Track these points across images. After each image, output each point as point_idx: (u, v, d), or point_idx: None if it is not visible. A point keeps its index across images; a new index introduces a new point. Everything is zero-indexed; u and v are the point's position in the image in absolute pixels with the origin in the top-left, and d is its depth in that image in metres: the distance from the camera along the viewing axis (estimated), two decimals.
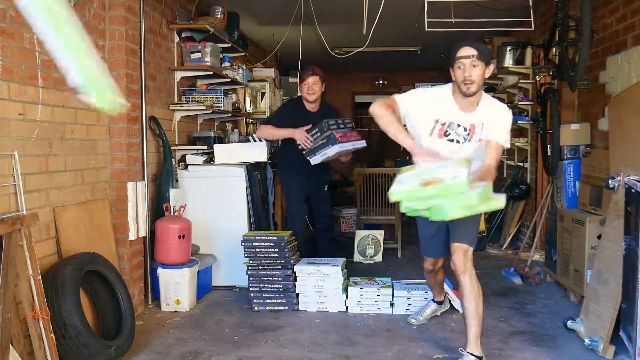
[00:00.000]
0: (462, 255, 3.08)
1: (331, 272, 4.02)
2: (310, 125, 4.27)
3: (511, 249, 6.18)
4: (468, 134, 3.05)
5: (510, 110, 3.20)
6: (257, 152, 4.85)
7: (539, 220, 5.49)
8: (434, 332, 3.65)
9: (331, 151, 4.14)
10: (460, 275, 3.08)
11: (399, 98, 3.09)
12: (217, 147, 4.76)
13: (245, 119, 6.85)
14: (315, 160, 4.21)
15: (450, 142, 3.07)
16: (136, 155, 4.02)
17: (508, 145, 3.12)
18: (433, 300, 3.87)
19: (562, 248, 4.33)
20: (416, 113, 3.09)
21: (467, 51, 2.94)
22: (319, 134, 4.17)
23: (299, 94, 4.64)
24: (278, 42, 6.68)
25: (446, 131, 3.06)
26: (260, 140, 4.95)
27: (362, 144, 4.25)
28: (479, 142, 3.05)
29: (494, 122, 3.05)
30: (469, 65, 2.92)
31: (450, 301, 3.97)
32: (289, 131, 4.37)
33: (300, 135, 4.25)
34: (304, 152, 4.27)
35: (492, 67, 3.02)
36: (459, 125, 3.05)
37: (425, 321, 3.81)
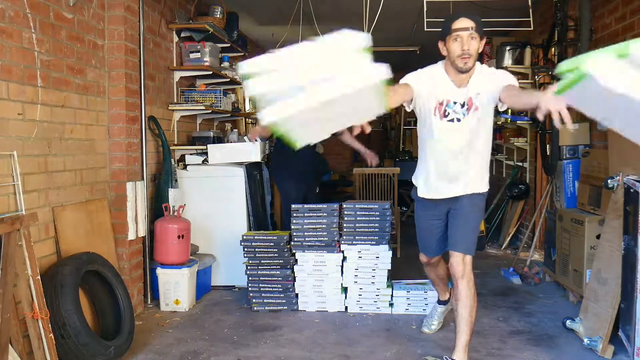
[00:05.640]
0: (460, 260, 2.97)
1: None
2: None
3: (510, 248, 6.19)
4: (467, 109, 2.88)
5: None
6: (251, 152, 4.84)
7: (538, 220, 5.49)
8: (434, 333, 3.64)
9: None
10: (458, 280, 2.97)
11: (409, 79, 2.92)
12: (210, 148, 4.77)
13: (245, 119, 6.85)
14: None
15: (450, 122, 2.90)
16: (135, 155, 4.02)
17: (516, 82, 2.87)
18: (438, 302, 3.66)
19: (561, 248, 4.34)
20: (421, 95, 2.92)
21: (465, 23, 2.73)
22: None
23: None
24: (277, 41, 6.68)
25: (445, 110, 2.90)
26: (256, 140, 4.97)
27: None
28: (475, 111, 2.88)
29: (493, 84, 2.83)
30: (467, 38, 2.73)
31: None
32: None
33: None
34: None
35: (484, 40, 2.83)
36: (455, 103, 2.88)
37: (440, 326, 3.65)
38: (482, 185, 3.03)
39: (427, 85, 2.92)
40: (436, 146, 2.99)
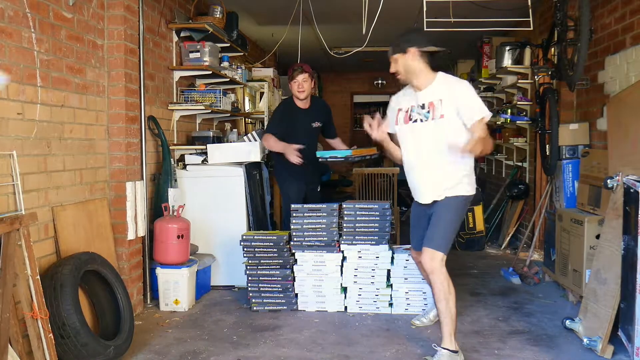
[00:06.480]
0: (428, 256, 3.19)
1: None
2: (302, 146, 4.41)
3: (510, 248, 6.19)
4: (428, 112, 3.23)
5: (465, 81, 3.42)
6: (251, 152, 4.84)
7: (537, 220, 5.49)
8: (433, 332, 3.65)
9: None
10: (429, 275, 3.22)
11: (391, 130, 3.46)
12: (210, 147, 4.77)
13: (244, 119, 6.85)
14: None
15: (414, 122, 3.29)
16: (135, 154, 4.02)
17: (486, 113, 3.18)
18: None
19: (561, 248, 4.34)
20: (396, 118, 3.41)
21: (389, 54, 3.33)
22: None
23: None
24: (277, 41, 6.68)
25: (410, 115, 3.31)
26: (256, 140, 4.96)
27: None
28: (440, 118, 3.18)
29: (457, 100, 3.16)
30: (392, 63, 3.32)
31: None
32: (281, 147, 4.47)
33: (292, 155, 4.37)
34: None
35: (412, 50, 3.22)
36: (417, 106, 3.28)
37: (430, 323, 3.76)
38: (457, 189, 3.23)
39: (399, 107, 3.39)
40: (408, 147, 3.34)
